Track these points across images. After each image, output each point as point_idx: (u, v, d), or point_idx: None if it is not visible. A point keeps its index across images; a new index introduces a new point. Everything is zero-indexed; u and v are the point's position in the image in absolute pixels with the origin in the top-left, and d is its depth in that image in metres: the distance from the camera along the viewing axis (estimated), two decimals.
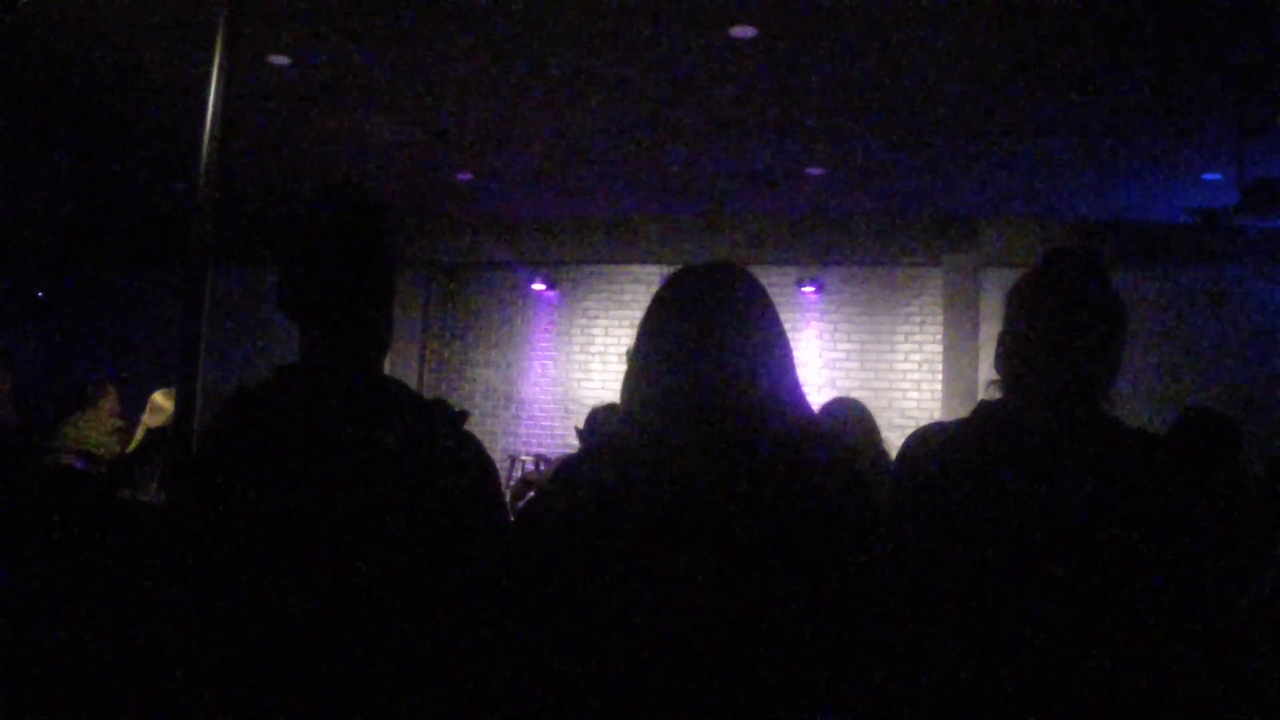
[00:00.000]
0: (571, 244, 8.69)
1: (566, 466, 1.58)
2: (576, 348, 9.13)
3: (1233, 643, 1.58)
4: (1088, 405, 1.61)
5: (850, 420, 3.39)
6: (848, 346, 8.61)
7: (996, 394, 1.70)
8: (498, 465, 2.75)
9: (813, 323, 8.64)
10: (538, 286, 9.09)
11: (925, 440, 1.73)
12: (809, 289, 8.52)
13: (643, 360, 1.51)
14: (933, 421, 1.97)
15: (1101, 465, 1.56)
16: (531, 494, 4.92)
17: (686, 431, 1.43)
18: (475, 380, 9.44)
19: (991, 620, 1.52)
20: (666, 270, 1.64)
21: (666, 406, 1.45)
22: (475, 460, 1.56)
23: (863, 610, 1.41)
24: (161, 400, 5.50)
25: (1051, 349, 1.61)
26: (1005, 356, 1.68)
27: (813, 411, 1.54)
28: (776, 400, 1.47)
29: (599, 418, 3.65)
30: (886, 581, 1.48)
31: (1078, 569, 1.50)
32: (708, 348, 1.46)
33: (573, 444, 4.35)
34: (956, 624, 1.53)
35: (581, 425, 3.72)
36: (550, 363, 9.24)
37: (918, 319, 8.53)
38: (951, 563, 1.56)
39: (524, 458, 8.52)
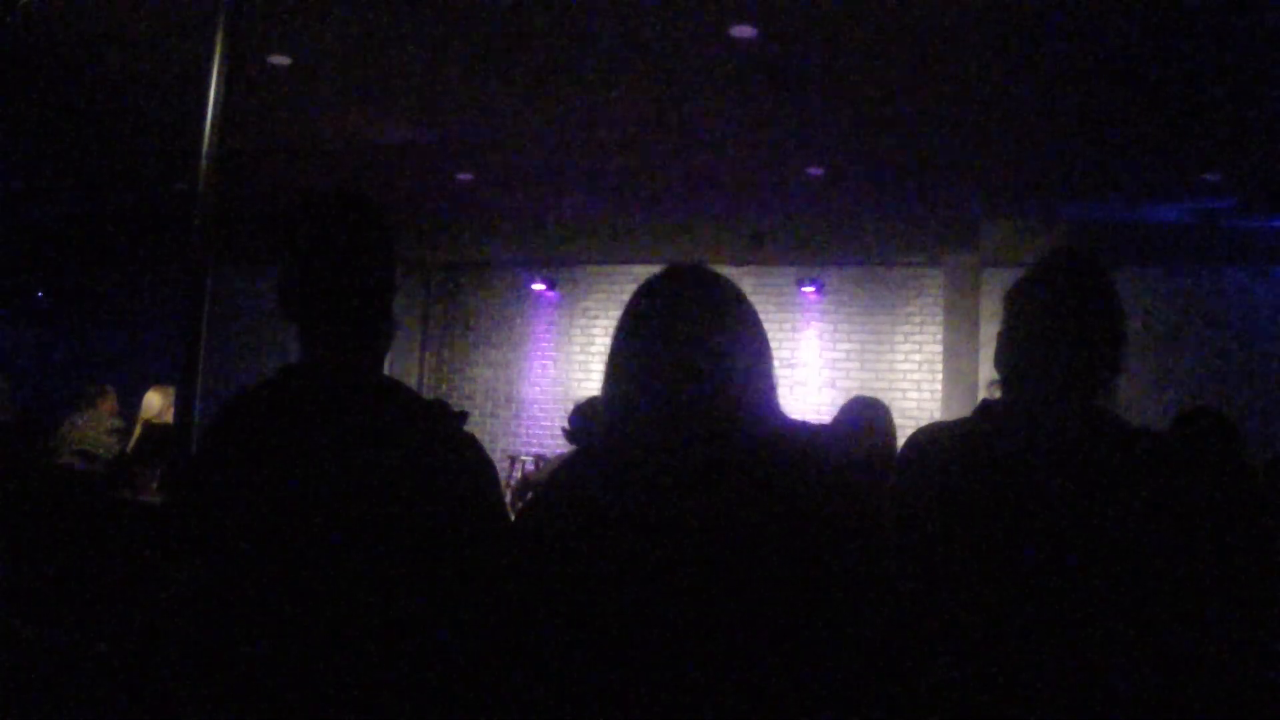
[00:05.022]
0: (571, 244, 8.69)
1: (563, 468, 1.58)
2: (576, 348, 9.14)
3: (1238, 640, 1.58)
4: (1086, 403, 1.61)
5: (864, 422, 3.37)
6: (848, 346, 8.61)
7: (998, 394, 1.70)
8: (498, 465, 2.75)
9: (813, 323, 8.64)
10: (538, 286, 9.09)
11: (927, 439, 1.73)
12: (809, 289, 8.52)
13: (619, 368, 1.51)
14: (934, 421, 1.97)
15: (1101, 463, 1.56)
16: (531, 494, 4.92)
17: (669, 436, 1.43)
18: (475, 380, 9.44)
19: (992, 618, 1.52)
20: None
21: (646, 412, 1.45)
22: (475, 461, 1.56)
23: (855, 612, 1.41)
24: (151, 395, 5.53)
25: (1050, 347, 1.62)
26: (1004, 355, 1.69)
27: (787, 417, 1.53)
28: (752, 404, 1.47)
29: (584, 413, 3.64)
30: (881, 582, 1.48)
31: (1078, 566, 1.50)
32: (681, 353, 1.46)
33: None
34: (956, 622, 1.53)
35: (568, 425, 3.71)
36: (550, 363, 9.24)
37: (918, 319, 8.53)
38: (953, 561, 1.56)
39: (524, 458, 8.52)
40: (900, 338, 8.57)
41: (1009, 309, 1.70)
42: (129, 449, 5.50)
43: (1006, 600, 1.52)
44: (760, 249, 8.26)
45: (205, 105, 2.74)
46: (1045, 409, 1.61)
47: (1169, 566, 1.51)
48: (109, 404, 5.94)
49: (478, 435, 1.60)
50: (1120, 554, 1.50)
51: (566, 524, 1.46)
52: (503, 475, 7.88)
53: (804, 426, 1.53)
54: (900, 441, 3.50)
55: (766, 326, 1.53)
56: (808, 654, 1.35)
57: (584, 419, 3.61)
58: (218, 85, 2.74)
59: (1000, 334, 1.71)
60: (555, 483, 1.55)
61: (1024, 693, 1.48)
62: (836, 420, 3.44)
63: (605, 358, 1.51)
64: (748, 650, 1.34)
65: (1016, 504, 1.54)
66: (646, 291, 1.53)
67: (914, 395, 8.40)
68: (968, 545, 1.56)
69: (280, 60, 5.25)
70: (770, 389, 1.49)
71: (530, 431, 9.22)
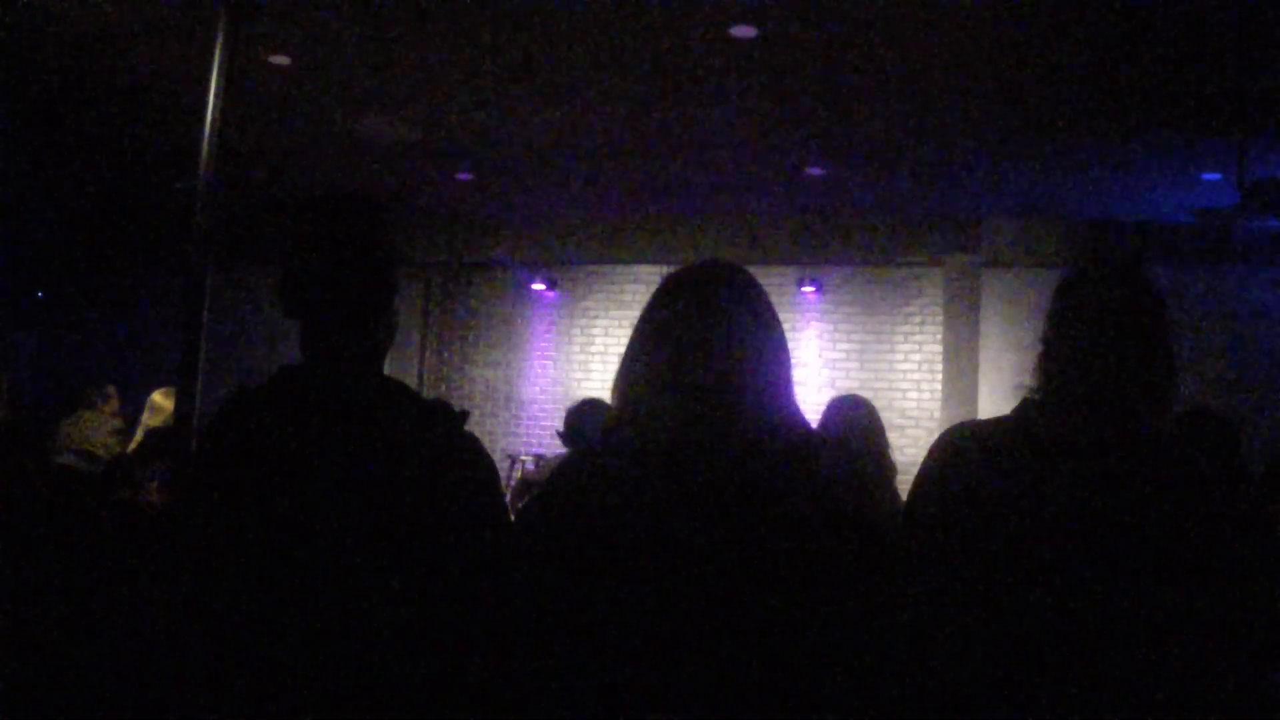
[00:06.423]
0: (571, 244, 8.69)
1: (565, 468, 1.57)
2: (576, 348, 9.13)
3: (1261, 650, 1.56)
4: (1126, 413, 1.60)
5: (855, 420, 3.38)
6: (848, 346, 8.61)
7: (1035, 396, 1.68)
8: (498, 465, 2.75)
9: (813, 323, 8.64)
10: (538, 286, 9.09)
11: (964, 438, 1.68)
12: (809, 289, 8.51)
13: (636, 363, 1.49)
14: (965, 420, 1.94)
15: (1145, 471, 1.55)
16: (531, 494, 4.92)
17: (680, 437, 1.42)
18: (475, 380, 9.43)
19: (1025, 618, 1.50)
20: (667, 270, 1.63)
21: (660, 412, 1.44)
22: (475, 461, 1.56)
23: (867, 617, 1.40)
24: (160, 400, 5.50)
25: (1091, 357, 1.60)
26: (1054, 355, 1.66)
27: (802, 416, 1.52)
28: (770, 404, 1.47)
29: (578, 415, 3.63)
30: (896, 586, 1.47)
31: (1115, 570, 1.48)
32: (700, 350, 1.45)
33: None
34: (988, 621, 1.52)
35: (561, 428, 3.70)
36: (550, 363, 9.24)
37: (918, 319, 8.52)
38: (983, 565, 1.54)
39: (524, 458, 8.52)
40: (900, 338, 8.56)
41: (1057, 310, 1.67)
42: (130, 451, 5.49)
43: (1039, 601, 1.50)
44: (760, 249, 8.26)
45: (205, 105, 2.74)
46: (1094, 414, 1.60)
47: (1189, 572, 1.50)
48: (110, 404, 5.94)
49: (478, 435, 1.60)
50: (1153, 560, 1.49)
51: (567, 524, 1.45)
52: (503, 475, 7.88)
53: (815, 433, 1.52)
54: (890, 439, 3.51)
55: None
56: (813, 656, 1.35)
57: (577, 421, 3.61)
58: (218, 85, 2.74)
59: (1046, 336, 1.68)
60: (556, 482, 1.55)
61: (1049, 694, 1.47)
62: (825, 421, 3.43)
63: (608, 356, 1.50)
64: (751, 654, 1.33)
65: (1058, 507, 1.52)
66: (673, 286, 1.52)
67: (914, 395, 8.40)
68: (1006, 545, 1.53)
69: (280, 60, 5.25)
70: (789, 394, 1.48)
71: (530, 431, 9.21)
